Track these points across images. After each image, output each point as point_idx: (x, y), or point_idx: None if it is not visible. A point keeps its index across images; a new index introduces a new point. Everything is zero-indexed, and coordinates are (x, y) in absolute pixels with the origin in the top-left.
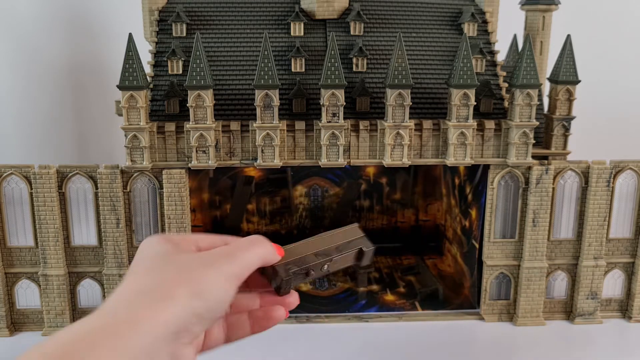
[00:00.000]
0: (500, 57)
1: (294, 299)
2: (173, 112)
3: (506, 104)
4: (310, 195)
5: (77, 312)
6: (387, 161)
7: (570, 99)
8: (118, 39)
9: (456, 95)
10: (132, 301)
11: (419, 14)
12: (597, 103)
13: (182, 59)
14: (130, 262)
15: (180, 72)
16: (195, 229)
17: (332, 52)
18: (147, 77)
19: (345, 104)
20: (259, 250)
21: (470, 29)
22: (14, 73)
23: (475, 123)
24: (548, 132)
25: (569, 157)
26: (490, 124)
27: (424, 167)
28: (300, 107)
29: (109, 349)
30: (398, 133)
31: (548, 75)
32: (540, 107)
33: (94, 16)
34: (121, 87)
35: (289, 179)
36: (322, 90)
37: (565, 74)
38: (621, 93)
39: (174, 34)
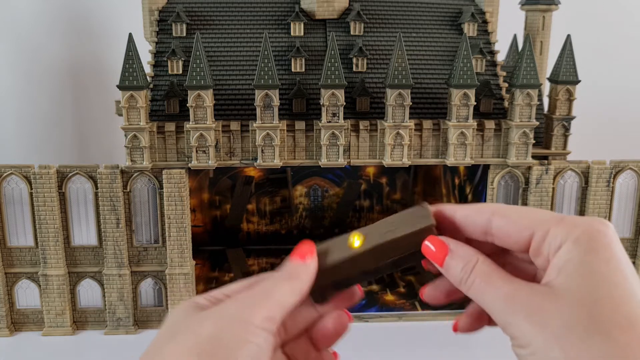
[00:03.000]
0: (500, 57)
1: (354, 295)
2: (173, 112)
3: (506, 104)
4: (310, 195)
5: (77, 312)
6: (387, 161)
7: (570, 99)
8: (118, 39)
9: (456, 95)
10: None
11: (419, 14)
12: (597, 103)
13: (182, 59)
14: (130, 262)
15: (180, 72)
16: (195, 228)
17: (332, 52)
18: (147, 77)
19: (345, 104)
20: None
21: (470, 29)
22: (14, 73)
23: (475, 123)
24: (548, 132)
25: (569, 157)
26: (490, 124)
27: (424, 167)
28: (300, 107)
29: None
30: (398, 133)
31: (548, 75)
32: (540, 107)
33: (94, 16)
34: (121, 87)
35: (289, 179)
36: (322, 90)
37: (565, 74)
38: (621, 93)
39: (174, 34)
